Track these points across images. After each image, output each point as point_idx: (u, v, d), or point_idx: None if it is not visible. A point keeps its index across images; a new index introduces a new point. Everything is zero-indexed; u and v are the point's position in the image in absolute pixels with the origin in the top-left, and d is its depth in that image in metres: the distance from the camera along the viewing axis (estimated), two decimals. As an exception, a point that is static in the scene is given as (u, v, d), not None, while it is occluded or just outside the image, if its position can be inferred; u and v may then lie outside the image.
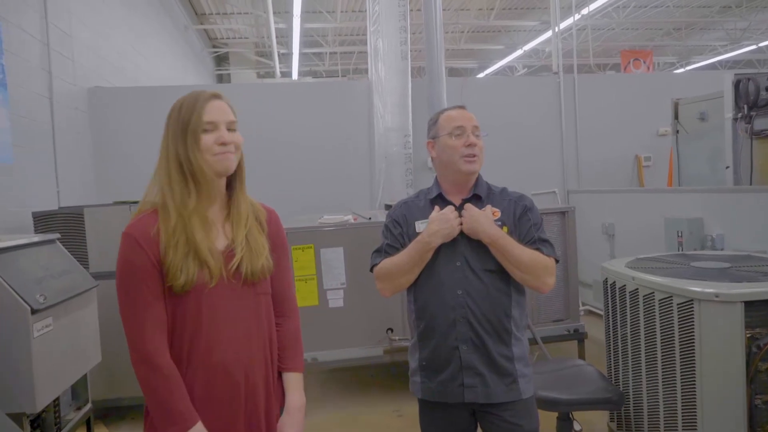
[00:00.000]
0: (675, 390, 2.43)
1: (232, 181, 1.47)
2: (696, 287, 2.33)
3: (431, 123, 1.91)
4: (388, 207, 4.51)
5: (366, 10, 10.31)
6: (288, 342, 1.54)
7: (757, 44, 14.07)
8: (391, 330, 3.64)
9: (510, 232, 1.78)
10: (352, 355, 3.59)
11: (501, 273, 1.77)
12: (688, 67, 15.93)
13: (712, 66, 15.47)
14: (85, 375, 2.74)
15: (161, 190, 1.37)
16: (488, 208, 1.80)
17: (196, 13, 10.49)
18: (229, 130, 1.40)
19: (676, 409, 2.42)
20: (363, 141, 5.48)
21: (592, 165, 6.03)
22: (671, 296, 2.42)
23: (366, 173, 5.48)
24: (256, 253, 1.42)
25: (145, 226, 1.34)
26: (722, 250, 3.77)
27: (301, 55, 11.92)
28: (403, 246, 1.84)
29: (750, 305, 2.21)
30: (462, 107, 1.88)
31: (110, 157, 5.07)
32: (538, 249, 1.77)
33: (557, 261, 1.82)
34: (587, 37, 10.57)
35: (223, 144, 1.38)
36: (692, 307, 2.32)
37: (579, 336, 4.01)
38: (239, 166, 1.47)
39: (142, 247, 1.31)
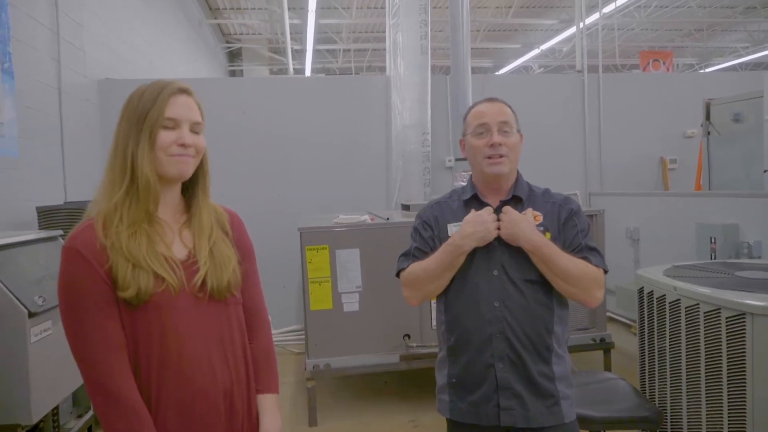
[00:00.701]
0: (721, 410, 2.23)
1: (193, 188, 1.30)
2: (749, 300, 2.14)
3: (463, 119, 1.74)
4: (405, 207, 4.34)
5: (383, 6, 10.18)
6: (261, 360, 1.35)
7: (780, 46, 13.73)
8: (408, 336, 3.47)
9: (553, 239, 1.60)
10: (367, 361, 3.43)
11: (543, 284, 1.59)
12: (708, 69, 15.58)
13: (732, 68, 15.12)
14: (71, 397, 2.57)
15: (103, 192, 1.19)
16: (529, 211, 1.62)
17: (210, 8, 10.37)
18: (192, 132, 1.23)
19: (723, 427, 2.22)
20: (379, 139, 5.31)
21: (614, 167, 5.81)
22: (719, 309, 2.23)
23: (382, 172, 5.30)
24: (221, 267, 1.24)
25: (90, 235, 1.15)
26: (759, 258, 3.57)
27: (315, 51, 11.78)
28: (434, 250, 1.67)
29: (809, 321, 2.02)
30: (492, 100, 1.69)
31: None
32: (585, 258, 1.59)
33: (606, 271, 1.64)
34: (608, 36, 10.32)
35: (183, 146, 1.20)
36: (744, 322, 2.13)
37: (605, 346, 3.82)
38: (202, 173, 1.29)
39: (87, 260, 1.12)
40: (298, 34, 11.00)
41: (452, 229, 1.67)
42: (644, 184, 5.82)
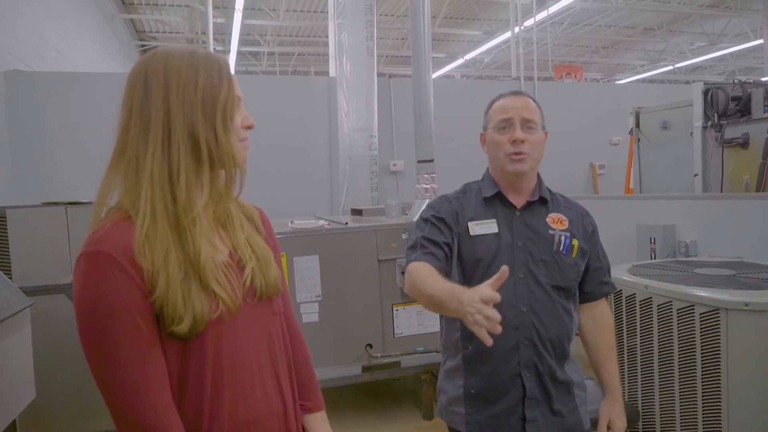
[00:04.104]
0: (695, 403, 2.29)
1: None
2: (721, 296, 2.21)
3: (485, 111, 1.63)
4: (356, 212, 4.19)
5: (311, 9, 9.97)
6: (303, 373, 1.20)
7: (673, 65, 15.08)
8: (371, 345, 3.32)
9: (580, 249, 1.55)
10: (329, 375, 3.23)
11: (566, 290, 1.53)
12: (619, 83, 16.83)
13: (632, 83, 16.41)
14: (15, 420, 2.20)
15: (145, 184, 0.92)
16: (555, 216, 1.56)
17: (123, 2, 9.65)
18: None
19: (697, 423, 2.28)
20: (323, 141, 5.13)
21: (550, 173, 6.00)
22: (693, 305, 2.29)
23: (325, 175, 5.12)
24: (265, 262, 1.07)
25: (124, 238, 0.90)
26: (696, 256, 3.78)
27: (238, 53, 11.32)
28: (447, 244, 1.50)
29: (779, 314, 2.12)
30: (517, 93, 1.60)
31: (32, 150, 4.38)
32: (605, 284, 1.64)
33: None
34: (527, 48, 10.80)
35: (250, 128, 1.05)
36: (718, 317, 2.20)
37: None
38: None
39: (126, 271, 0.89)
40: (221, 34, 10.53)
41: (475, 228, 1.55)
42: (576, 189, 6.08)
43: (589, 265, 1.59)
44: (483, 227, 1.53)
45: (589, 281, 1.61)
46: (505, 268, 1.15)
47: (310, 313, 3.21)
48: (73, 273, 0.91)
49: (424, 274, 1.41)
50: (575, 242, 1.53)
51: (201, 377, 0.94)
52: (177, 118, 0.94)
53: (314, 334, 3.22)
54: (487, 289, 1.15)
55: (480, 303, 1.14)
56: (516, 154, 1.50)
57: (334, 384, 3.30)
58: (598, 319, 1.65)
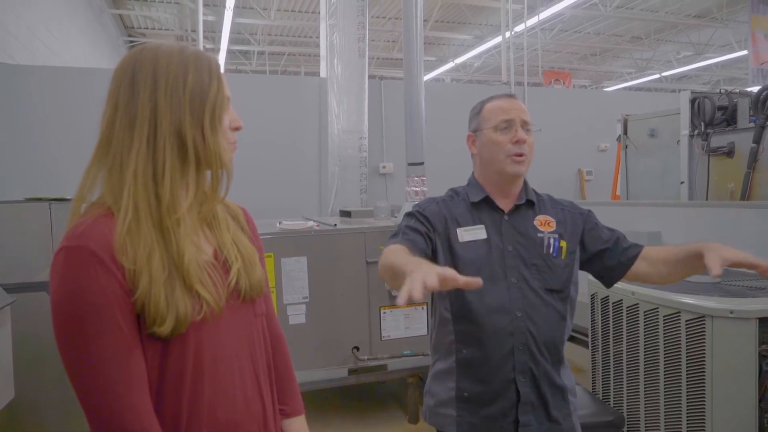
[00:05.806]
0: (680, 410, 2.31)
1: None
2: (707, 303, 2.23)
3: (473, 113, 1.62)
4: (345, 214, 4.18)
5: (303, 9, 9.94)
6: (283, 376, 1.18)
7: (659, 74, 15.28)
8: (358, 348, 3.30)
9: (568, 248, 1.53)
10: (315, 377, 3.21)
11: (560, 293, 1.52)
12: (606, 90, 16.98)
13: (620, 91, 16.58)
14: (-7, 417, 2.16)
15: (129, 181, 0.90)
16: (542, 218, 1.55)
17: (112, -3, 9.56)
18: None
19: (681, 429, 2.30)
20: (312, 142, 5.11)
21: (536, 178, 6.04)
22: (678, 312, 2.31)
23: (314, 176, 5.10)
24: (250, 263, 1.05)
25: (107, 235, 0.87)
26: (680, 263, 3.82)
27: (228, 52, 11.25)
28: (428, 235, 1.49)
29: (763, 322, 2.15)
30: (511, 96, 1.61)
31: (15, 145, 4.30)
32: (629, 247, 1.54)
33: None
34: (517, 53, 10.87)
35: (238, 129, 1.02)
36: (703, 324, 2.22)
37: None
38: None
39: (108, 268, 0.85)
40: (211, 32, 10.46)
41: (464, 235, 1.54)
42: (563, 194, 6.07)
43: (600, 247, 1.54)
44: (471, 233, 1.52)
45: (611, 257, 1.54)
46: (479, 280, 1.02)
47: (297, 315, 3.19)
48: (51, 268, 0.87)
49: (397, 250, 1.34)
50: (563, 243, 1.52)
51: (180, 379, 0.92)
52: (164, 115, 0.92)
53: (301, 336, 3.20)
54: (452, 272, 1.01)
55: (420, 282, 0.96)
56: (518, 155, 1.51)
57: (320, 386, 3.27)
58: (648, 257, 1.52)
